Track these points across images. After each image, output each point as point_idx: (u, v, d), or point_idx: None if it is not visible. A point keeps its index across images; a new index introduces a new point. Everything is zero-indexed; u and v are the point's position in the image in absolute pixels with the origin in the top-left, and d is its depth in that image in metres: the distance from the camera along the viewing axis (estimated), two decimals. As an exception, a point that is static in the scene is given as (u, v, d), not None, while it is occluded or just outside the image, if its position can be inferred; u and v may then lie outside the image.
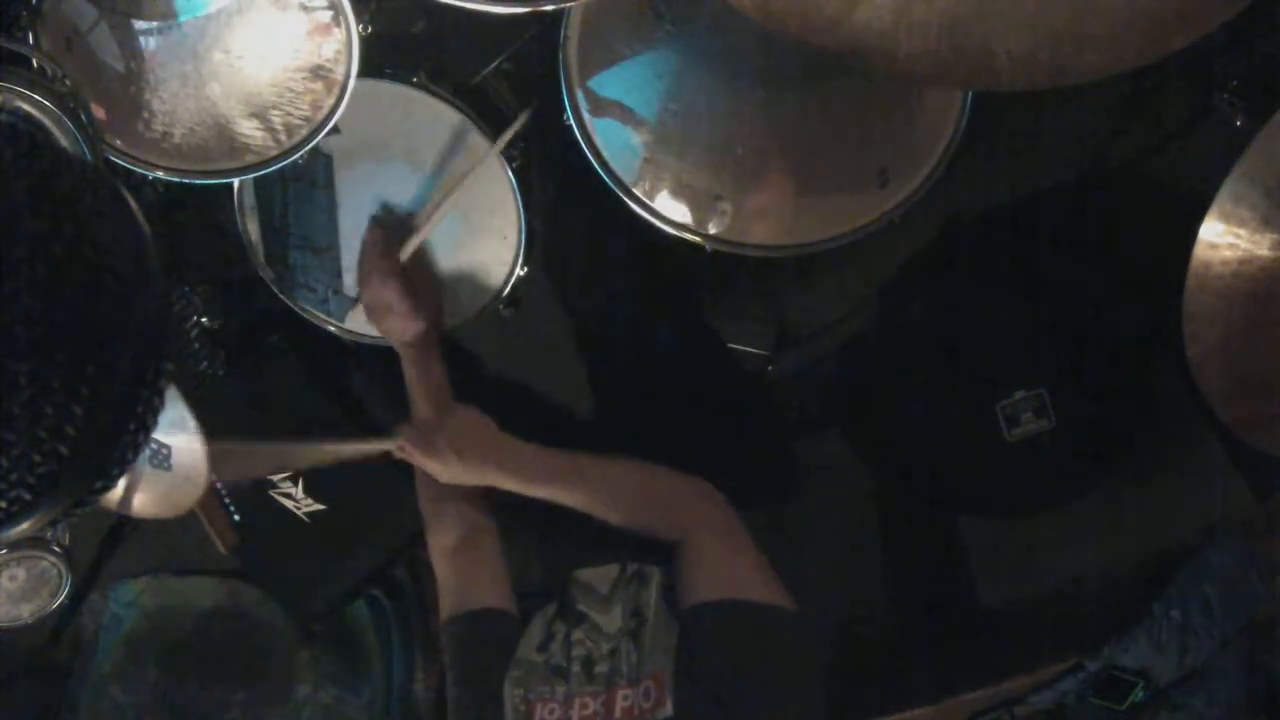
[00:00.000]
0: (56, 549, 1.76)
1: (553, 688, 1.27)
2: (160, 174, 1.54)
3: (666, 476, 1.43)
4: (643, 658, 1.23)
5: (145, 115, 1.51)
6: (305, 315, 1.81)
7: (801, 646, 1.24)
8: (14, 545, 1.71)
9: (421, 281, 1.70)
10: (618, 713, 1.21)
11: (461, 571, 1.51)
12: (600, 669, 1.26)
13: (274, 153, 1.54)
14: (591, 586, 1.35)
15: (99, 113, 1.46)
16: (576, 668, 1.27)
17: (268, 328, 1.99)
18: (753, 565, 1.30)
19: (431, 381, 1.62)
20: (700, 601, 1.23)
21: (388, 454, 1.50)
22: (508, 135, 1.60)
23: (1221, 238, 1.42)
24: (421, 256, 1.72)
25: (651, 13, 1.57)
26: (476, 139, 1.63)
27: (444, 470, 1.46)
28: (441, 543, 1.54)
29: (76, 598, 1.82)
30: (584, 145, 1.60)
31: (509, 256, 1.72)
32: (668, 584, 1.30)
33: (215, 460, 1.52)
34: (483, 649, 1.38)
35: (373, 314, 1.68)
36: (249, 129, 1.53)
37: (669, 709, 1.17)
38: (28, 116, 1.25)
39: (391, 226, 1.69)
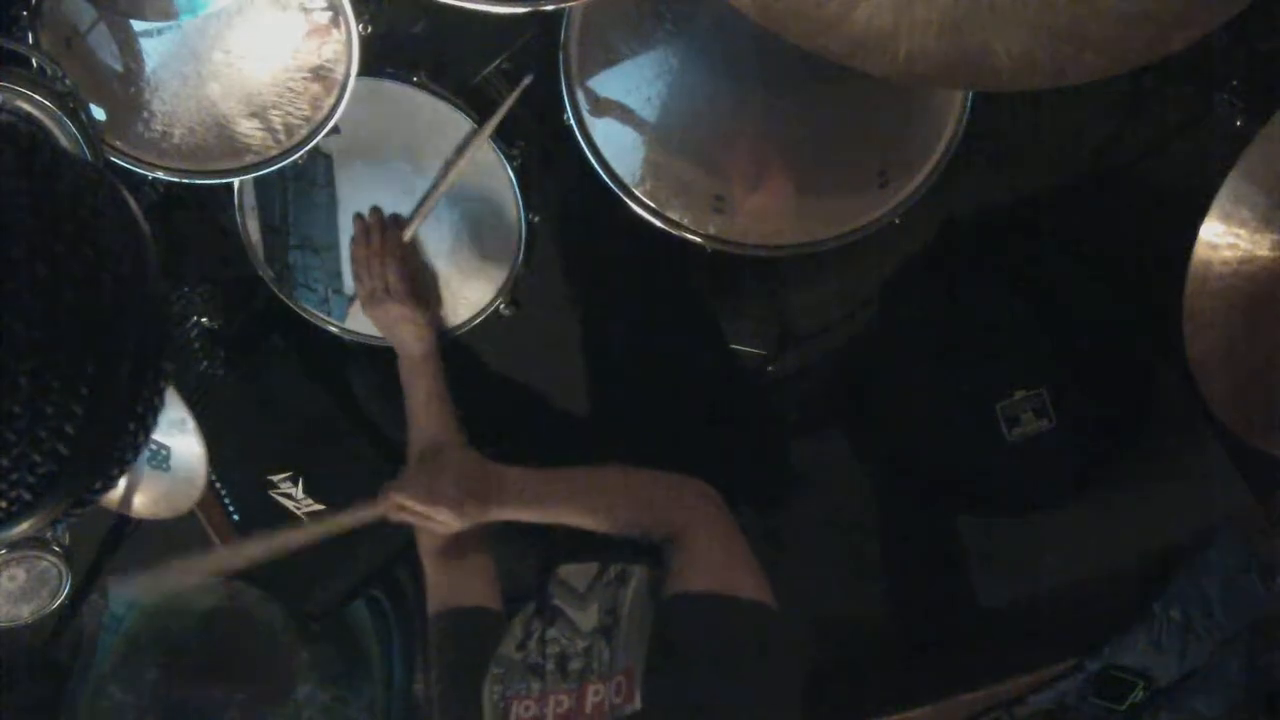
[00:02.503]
0: (56, 549, 1.76)
1: (529, 685, 1.27)
2: (160, 174, 1.54)
3: (661, 481, 1.41)
4: (615, 655, 1.23)
5: (145, 115, 1.51)
6: (305, 315, 1.81)
7: (782, 647, 1.22)
8: (14, 545, 1.71)
9: (422, 280, 1.71)
10: (589, 708, 1.20)
11: (449, 569, 1.51)
12: (574, 666, 1.25)
13: (274, 152, 1.54)
14: (570, 584, 1.35)
15: (98, 113, 1.46)
16: (551, 665, 1.27)
17: (268, 328, 1.99)
18: (741, 563, 1.28)
19: (430, 386, 1.61)
20: (682, 591, 1.22)
21: (385, 519, 1.43)
22: (516, 94, 1.60)
23: (1221, 238, 1.42)
24: (421, 256, 1.72)
25: (651, 13, 1.57)
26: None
27: (452, 519, 1.38)
28: (431, 540, 1.53)
29: (76, 598, 1.82)
30: (584, 145, 1.60)
31: (509, 256, 1.72)
32: (650, 584, 1.28)
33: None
34: (466, 647, 1.38)
35: (370, 301, 1.67)
36: (249, 129, 1.53)
37: (637, 703, 1.16)
38: (28, 116, 1.25)
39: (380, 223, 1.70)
